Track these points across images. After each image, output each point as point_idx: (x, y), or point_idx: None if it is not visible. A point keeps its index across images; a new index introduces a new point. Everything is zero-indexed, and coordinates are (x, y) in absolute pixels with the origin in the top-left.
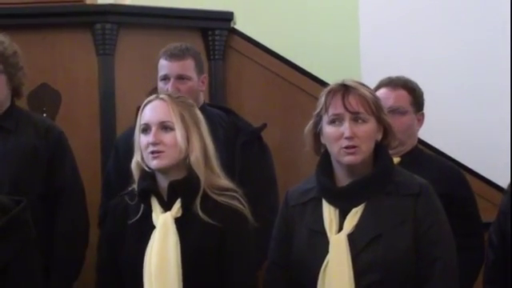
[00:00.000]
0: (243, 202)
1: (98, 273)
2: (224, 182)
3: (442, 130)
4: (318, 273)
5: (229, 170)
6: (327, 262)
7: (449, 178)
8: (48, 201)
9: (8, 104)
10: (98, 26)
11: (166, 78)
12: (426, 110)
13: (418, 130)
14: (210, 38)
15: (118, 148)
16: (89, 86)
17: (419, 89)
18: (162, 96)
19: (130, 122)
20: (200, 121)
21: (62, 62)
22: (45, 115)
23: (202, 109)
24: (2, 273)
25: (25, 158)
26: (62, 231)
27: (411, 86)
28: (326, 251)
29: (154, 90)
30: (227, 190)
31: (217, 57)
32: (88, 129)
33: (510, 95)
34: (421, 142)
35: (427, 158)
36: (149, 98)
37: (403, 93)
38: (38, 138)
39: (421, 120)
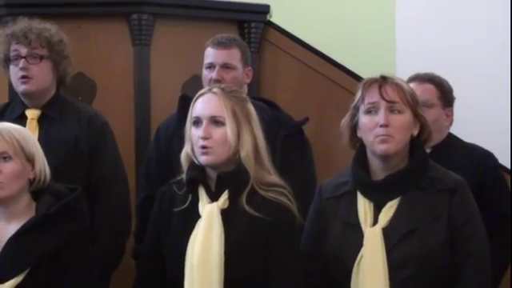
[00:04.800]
0: (291, 199)
1: (141, 258)
2: (273, 177)
3: (479, 126)
4: (352, 266)
5: None
6: (361, 256)
7: (480, 161)
8: (89, 191)
9: (53, 92)
10: (135, 16)
11: (211, 66)
12: (461, 106)
13: (447, 126)
14: (245, 31)
15: (158, 135)
16: (124, 76)
17: (448, 85)
18: (214, 90)
19: (164, 113)
20: (252, 116)
21: (98, 52)
22: None
23: None
24: (54, 259)
25: (66, 147)
26: (101, 221)
27: (439, 81)
28: (361, 244)
29: (189, 82)
30: (275, 185)
31: (252, 49)
32: (123, 119)
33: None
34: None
35: (460, 145)
36: (202, 91)
37: (430, 86)
38: (80, 127)
39: (450, 116)
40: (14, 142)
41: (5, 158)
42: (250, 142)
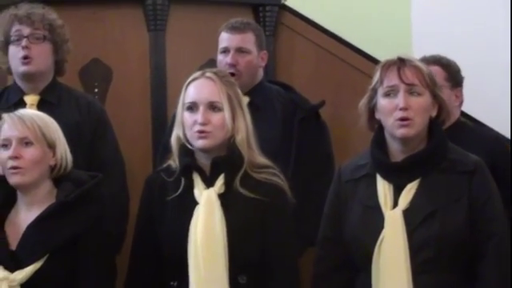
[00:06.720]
0: (282, 178)
1: (133, 246)
2: (262, 159)
3: (493, 106)
4: (372, 249)
5: (286, 146)
6: (382, 238)
7: (491, 147)
8: None
9: (51, 78)
10: (149, 1)
11: (225, 51)
12: (475, 85)
13: (457, 106)
14: (260, 14)
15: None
16: (140, 62)
17: (455, 65)
18: (208, 74)
19: None
20: (242, 100)
21: (114, 38)
22: (96, 90)
23: (261, 85)
24: (74, 246)
25: (69, 132)
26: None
27: (445, 62)
28: (381, 227)
29: (205, 66)
30: (266, 167)
31: (267, 33)
32: (139, 104)
33: None
34: (467, 116)
35: (470, 129)
36: (195, 75)
37: (436, 68)
38: (80, 113)
39: (459, 96)
40: (36, 128)
41: (26, 143)
42: (244, 126)
